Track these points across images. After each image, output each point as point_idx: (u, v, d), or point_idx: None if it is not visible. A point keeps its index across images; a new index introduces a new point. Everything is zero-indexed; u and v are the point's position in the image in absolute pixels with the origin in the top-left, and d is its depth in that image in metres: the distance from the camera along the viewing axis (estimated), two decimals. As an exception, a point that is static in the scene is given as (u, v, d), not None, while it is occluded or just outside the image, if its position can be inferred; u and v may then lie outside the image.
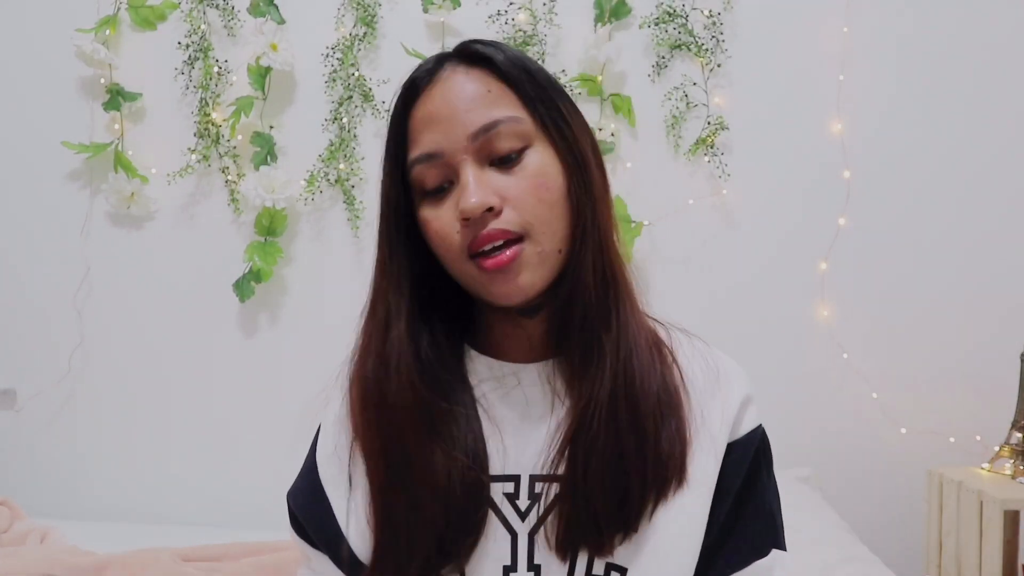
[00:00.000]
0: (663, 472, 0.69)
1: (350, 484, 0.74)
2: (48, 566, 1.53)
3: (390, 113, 0.74)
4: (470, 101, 0.69)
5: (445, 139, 0.68)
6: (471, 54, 0.72)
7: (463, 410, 0.72)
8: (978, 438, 2.02)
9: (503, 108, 0.69)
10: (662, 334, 0.77)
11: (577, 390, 0.71)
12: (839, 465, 2.06)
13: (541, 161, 0.70)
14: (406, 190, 0.72)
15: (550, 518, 0.70)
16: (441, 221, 0.69)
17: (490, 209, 0.67)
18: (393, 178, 0.73)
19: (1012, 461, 1.85)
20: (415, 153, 0.70)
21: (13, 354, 2.22)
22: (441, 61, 0.72)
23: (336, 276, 2.17)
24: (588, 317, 0.71)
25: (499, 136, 0.68)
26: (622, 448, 0.68)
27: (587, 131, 0.74)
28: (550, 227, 0.69)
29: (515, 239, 0.68)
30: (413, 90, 0.72)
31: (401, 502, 0.70)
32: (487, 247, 0.67)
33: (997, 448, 1.90)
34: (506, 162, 0.69)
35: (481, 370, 0.76)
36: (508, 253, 0.67)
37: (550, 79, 0.73)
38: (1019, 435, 1.85)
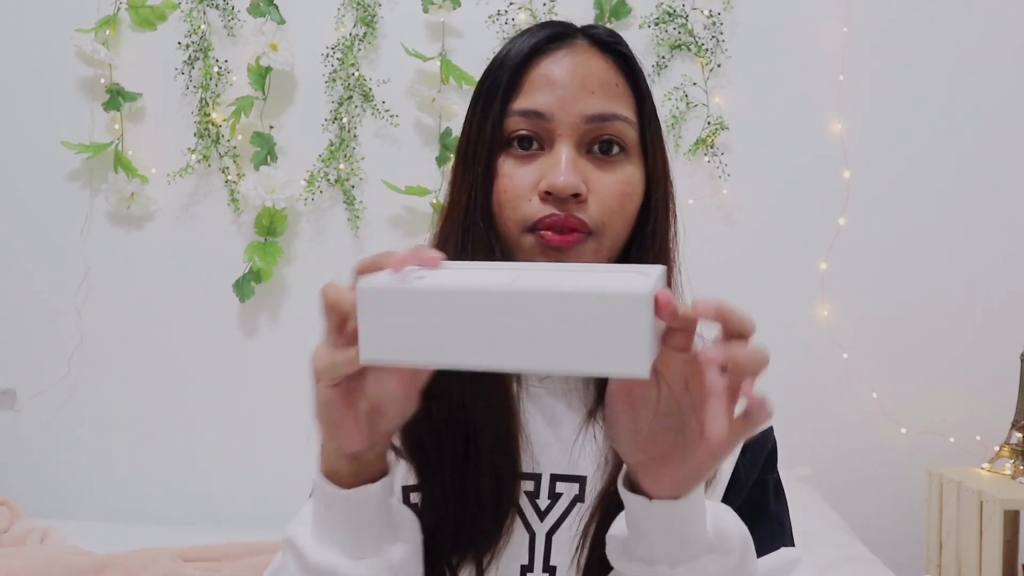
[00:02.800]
0: None
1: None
2: (48, 566, 1.53)
3: (503, 54, 0.71)
4: (598, 84, 0.68)
5: (559, 106, 0.67)
6: (603, 41, 0.70)
7: (502, 399, 0.69)
8: (978, 438, 2.02)
9: (624, 107, 0.69)
10: None
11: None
12: (839, 465, 2.05)
13: (633, 172, 0.69)
14: (493, 132, 0.69)
15: (568, 519, 0.69)
16: (513, 181, 0.68)
17: (576, 195, 0.66)
18: (487, 115, 0.69)
19: (1012, 461, 1.85)
20: (521, 105, 0.68)
21: (13, 354, 2.21)
22: (571, 31, 0.71)
23: (336, 276, 2.16)
24: None
25: (611, 130, 0.68)
26: None
27: (665, 152, 0.74)
28: (618, 236, 0.69)
29: (585, 231, 0.67)
30: (542, 43, 0.69)
31: (436, 482, 0.68)
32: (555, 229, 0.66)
33: (997, 448, 1.90)
34: (605, 153, 0.68)
35: None
36: (572, 237, 0.66)
37: (651, 95, 0.73)
38: (1019, 435, 1.85)
